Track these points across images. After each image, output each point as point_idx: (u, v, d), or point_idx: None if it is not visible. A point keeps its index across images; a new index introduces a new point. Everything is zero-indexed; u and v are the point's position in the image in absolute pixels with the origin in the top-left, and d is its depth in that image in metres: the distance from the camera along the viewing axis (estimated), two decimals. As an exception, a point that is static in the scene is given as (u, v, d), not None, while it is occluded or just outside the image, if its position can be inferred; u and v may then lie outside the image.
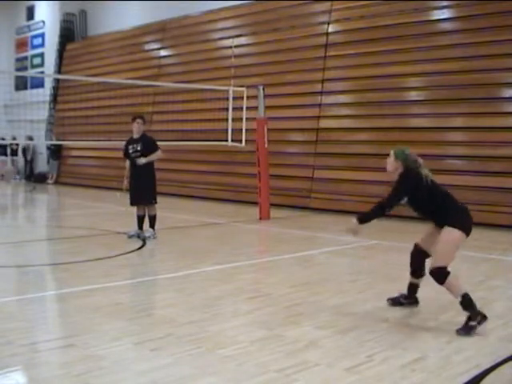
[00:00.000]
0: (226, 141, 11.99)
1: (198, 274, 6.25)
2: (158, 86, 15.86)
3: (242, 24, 14.97)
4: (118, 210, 11.87)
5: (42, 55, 22.39)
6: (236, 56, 14.38)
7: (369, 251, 7.74)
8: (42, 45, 22.38)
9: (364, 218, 4.58)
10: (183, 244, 8.35)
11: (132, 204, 8.56)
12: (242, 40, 14.73)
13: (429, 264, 4.51)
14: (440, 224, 4.52)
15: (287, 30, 13.73)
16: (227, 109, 12.05)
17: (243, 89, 11.80)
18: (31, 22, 22.95)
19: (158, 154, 8.48)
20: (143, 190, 8.43)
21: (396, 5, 11.77)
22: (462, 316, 4.35)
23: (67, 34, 21.16)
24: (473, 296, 4.35)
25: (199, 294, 5.41)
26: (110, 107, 17.02)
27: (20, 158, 22.16)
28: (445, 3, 11.29)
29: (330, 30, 12.90)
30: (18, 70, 23.31)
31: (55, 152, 20.42)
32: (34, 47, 22.90)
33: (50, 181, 20.50)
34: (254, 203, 11.59)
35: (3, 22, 23.96)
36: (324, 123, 12.63)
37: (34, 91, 20.57)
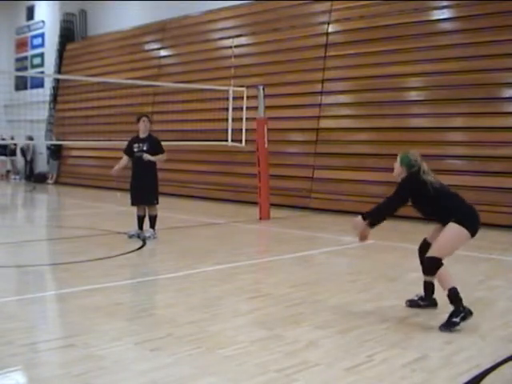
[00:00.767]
0: (226, 141, 11.99)
1: (198, 274, 6.25)
2: (158, 86, 15.86)
3: (242, 24, 14.97)
4: (118, 210, 11.88)
5: (41, 55, 22.39)
6: (236, 56, 14.37)
7: (369, 251, 7.74)
8: (42, 45, 22.38)
9: (370, 218, 4.57)
10: (183, 244, 8.35)
11: (133, 204, 8.54)
12: (242, 40, 14.73)
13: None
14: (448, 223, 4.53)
15: (287, 30, 13.73)
16: (227, 109, 12.06)
17: (243, 89, 11.80)
18: (31, 22, 22.95)
19: (163, 158, 8.50)
20: (145, 191, 8.42)
21: (396, 5, 11.77)
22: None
23: (67, 34, 21.16)
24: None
25: (199, 294, 5.41)
26: (110, 107, 17.02)
27: (19, 158, 22.16)
28: (445, 3, 11.29)
29: (330, 30, 12.90)
30: (18, 69, 23.30)
31: (55, 152, 20.42)
32: (33, 47, 22.91)
33: (49, 181, 20.49)
34: (254, 203, 11.59)
35: (3, 21, 23.96)
36: (324, 123, 12.63)
37: (34, 91, 20.55)
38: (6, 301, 5.14)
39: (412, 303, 4.96)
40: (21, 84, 22.58)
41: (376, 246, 8.00)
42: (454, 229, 4.43)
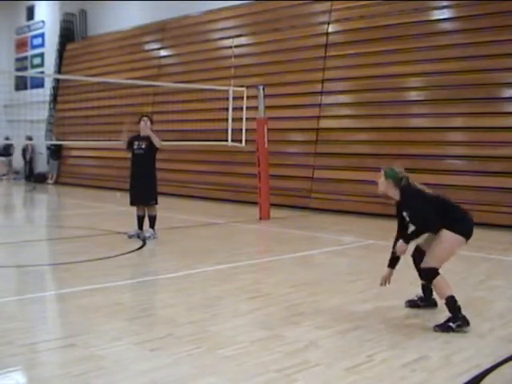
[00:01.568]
0: (226, 141, 11.98)
1: (198, 274, 6.25)
2: (158, 86, 15.86)
3: (242, 24, 14.97)
4: (118, 210, 11.88)
5: (41, 55, 22.39)
6: (236, 56, 14.37)
7: (369, 251, 7.74)
8: (42, 45, 22.38)
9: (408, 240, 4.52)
10: (183, 244, 8.35)
11: (132, 204, 8.55)
12: (242, 40, 14.73)
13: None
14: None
15: (287, 30, 13.73)
16: (227, 109, 12.05)
17: (243, 89, 11.80)
18: (31, 22, 22.96)
19: (159, 141, 8.41)
20: (143, 191, 8.44)
21: (396, 5, 11.76)
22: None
23: (67, 34, 21.16)
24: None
25: (199, 294, 5.41)
26: (110, 107, 17.02)
27: (17, 158, 22.13)
28: (445, 3, 11.29)
29: (330, 30, 12.90)
30: (18, 69, 23.31)
31: (55, 152, 20.42)
32: (33, 47, 22.91)
33: (49, 181, 20.49)
34: (254, 203, 11.58)
35: (3, 21, 23.96)
36: (324, 123, 12.63)
37: (34, 91, 20.56)
38: (6, 301, 5.14)
39: (412, 303, 4.95)
40: (21, 84, 22.58)
41: (376, 246, 8.00)
42: (446, 236, 4.38)
